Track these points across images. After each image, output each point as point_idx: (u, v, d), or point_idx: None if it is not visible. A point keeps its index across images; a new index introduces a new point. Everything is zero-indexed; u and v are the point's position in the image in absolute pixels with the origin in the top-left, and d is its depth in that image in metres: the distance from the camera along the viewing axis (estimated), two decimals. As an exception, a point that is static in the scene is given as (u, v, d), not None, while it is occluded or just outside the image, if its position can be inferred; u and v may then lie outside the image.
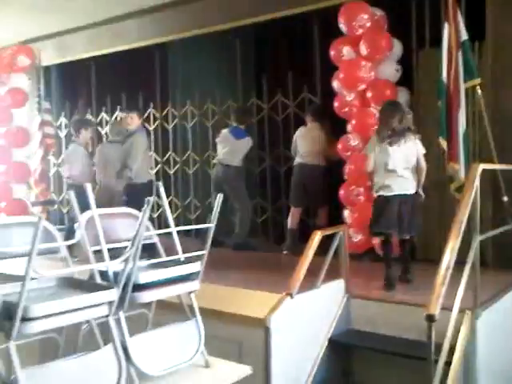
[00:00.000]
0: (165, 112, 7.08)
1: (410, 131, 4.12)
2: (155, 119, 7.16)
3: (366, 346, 3.52)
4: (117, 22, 6.63)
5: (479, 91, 4.31)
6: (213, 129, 6.71)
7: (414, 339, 3.37)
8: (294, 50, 6.19)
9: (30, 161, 7.09)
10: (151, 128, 7.18)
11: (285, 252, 5.46)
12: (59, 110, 8.12)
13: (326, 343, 3.49)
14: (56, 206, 8.20)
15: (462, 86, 4.13)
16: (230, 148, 5.83)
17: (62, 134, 8.13)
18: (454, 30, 4.09)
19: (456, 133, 4.13)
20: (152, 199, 2.12)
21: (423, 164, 4.08)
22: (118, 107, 7.40)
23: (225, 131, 5.98)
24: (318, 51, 5.87)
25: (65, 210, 8.22)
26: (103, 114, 7.60)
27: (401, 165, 4.02)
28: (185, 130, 7.00)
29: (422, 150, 4.11)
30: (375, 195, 4.17)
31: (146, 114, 7.15)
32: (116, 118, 7.49)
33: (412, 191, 4.08)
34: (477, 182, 3.03)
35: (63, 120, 8.13)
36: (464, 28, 4.14)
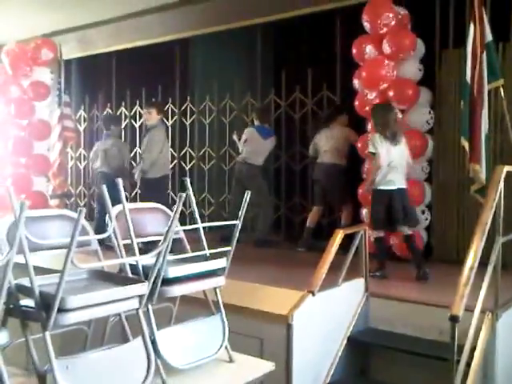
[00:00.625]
0: (183, 107, 7.13)
1: (399, 132, 4.50)
2: (173, 114, 7.21)
3: (384, 345, 3.53)
4: (138, 17, 6.67)
5: (502, 92, 4.30)
6: (230, 125, 6.75)
7: (432, 339, 3.39)
8: (315, 48, 6.19)
9: (50, 153, 7.17)
10: (169, 123, 7.23)
11: (300, 249, 5.48)
12: (79, 104, 8.20)
13: (345, 341, 3.51)
14: (73, 199, 8.30)
15: (486, 88, 4.11)
16: (257, 147, 5.86)
17: (81, 127, 8.22)
18: (479, 31, 4.06)
19: (479, 134, 4.11)
20: (184, 195, 2.15)
21: (411, 160, 4.54)
22: (137, 101, 7.47)
23: (251, 130, 5.98)
24: (339, 49, 5.87)
25: (82, 203, 8.31)
26: (122, 109, 7.66)
27: (399, 162, 4.39)
28: (202, 126, 7.04)
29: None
30: (375, 189, 4.43)
31: (164, 109, 7.20)
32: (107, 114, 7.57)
33: (406, 185, 4.47)
34: (501, 185, 3.03)
35: (82, 113, 8.21)
36: (489, 29, 4.13)
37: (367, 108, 5.13)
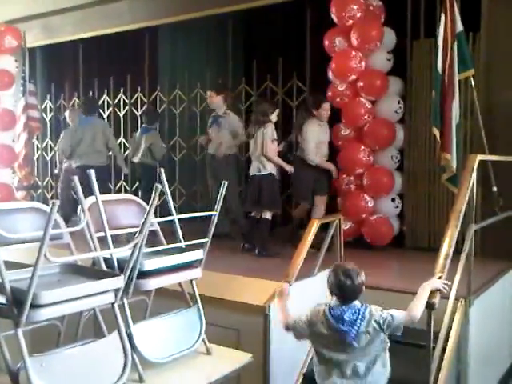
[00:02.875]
0: (153, 96, 7.01)
1: (261, 122, 4.81)
2: (143, 104, 7.08)
3: (360, 333, 3.55)
4: (106, 4, 6.49)
5: (472, 82, 4.36)
6: (201, 115, 6.66)
7: (406, 326, 3.42)
8: (285, 37, 6.16)
9: (15, 144, 6.96)
10: (138, 113, 7.10)
11: None
12: (44, 93, 7.97)
13: (321, 330, 3.51)
14: (40, 191, 8.09)
15: (457, 77, 4.16)
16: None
17: (48, 117, 8.00)
18: (450, 21, 4.10)
19: (449, 123, 4.17)
20: (160, 186, 2.09)
21: (265, 149, 4.77)
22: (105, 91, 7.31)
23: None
24: (309, 39, 5.86)
25: (49, 195, 8.12)
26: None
27: (253, 152, 4.86)
28: (172, 116, 6.94)
29: (267, 136, 4.76)
30: None
31: (133, 98, 7.08)
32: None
33: (263, 172, 4.80)
34: (474, 173, 3.07)
35: (48, 103, 7.99)
36: (460, 19, 4.17)
37: (338, 99, 5.15)
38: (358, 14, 4.89)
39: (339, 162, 5.11)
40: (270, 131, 4.79)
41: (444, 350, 2.86)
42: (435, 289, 2.56)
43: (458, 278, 2.93)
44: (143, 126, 6.28)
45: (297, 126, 5.12)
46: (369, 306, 2.42)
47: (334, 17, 4.98)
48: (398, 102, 5.03)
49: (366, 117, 4.99)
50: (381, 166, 5.08)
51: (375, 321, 2.36)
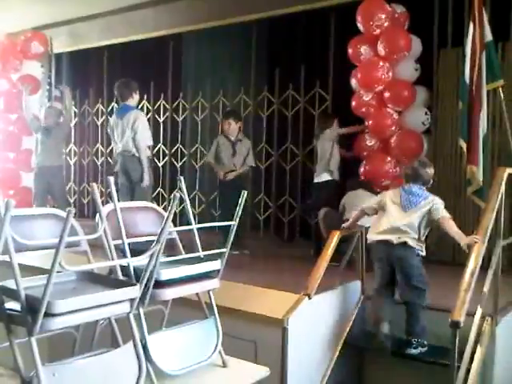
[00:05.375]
0: (175, 104, 7.02)
1: (324, 133, 5.11)
2: (165, 111, 7.09)
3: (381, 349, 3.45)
4: (131, 12, 6.55)
5: (501, 93, 4.24)
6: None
7: (430, 343, 3.32)
8: (309, 45, 6.13)
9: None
10: (161, 120, 7.13)
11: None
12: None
13: (342, 345, 3.42)
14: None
15: (485, 88, 4.05)
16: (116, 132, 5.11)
17: (72, 122, 8.06)
18: (478, 31, 4.00)
19: (476, 135, 4.04)
20: (178, 195, 2.05)
21: (328, 154, 5.09)
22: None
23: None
24: (333, 47, 5.81)
25: (71, 200, 8.17)
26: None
27: (320, 156, 5.18)
28: (195, 123, 6.94)
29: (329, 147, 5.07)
30: None
31: (156, 105, 7.11)
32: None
33: (325, 178, 5.13)
34: (502, 187, 2.97)
35: (73, 108, 8.06)
36: (489, 28, 4.06)
37: (363, 109, 5.07)
38: (386, 24, 4.80)
39: (364, 174, 5.03)
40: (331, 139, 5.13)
41: (469, 370, 2.76)
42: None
43: (484, 295, 2.83)
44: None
45: None
46: (432, 195, 3.39)
47: (360, 26, 4.90)
48: (426, 113, 4.93)
49: (392, 128, 4.90)
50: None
51: (430, 201, 3.32)
